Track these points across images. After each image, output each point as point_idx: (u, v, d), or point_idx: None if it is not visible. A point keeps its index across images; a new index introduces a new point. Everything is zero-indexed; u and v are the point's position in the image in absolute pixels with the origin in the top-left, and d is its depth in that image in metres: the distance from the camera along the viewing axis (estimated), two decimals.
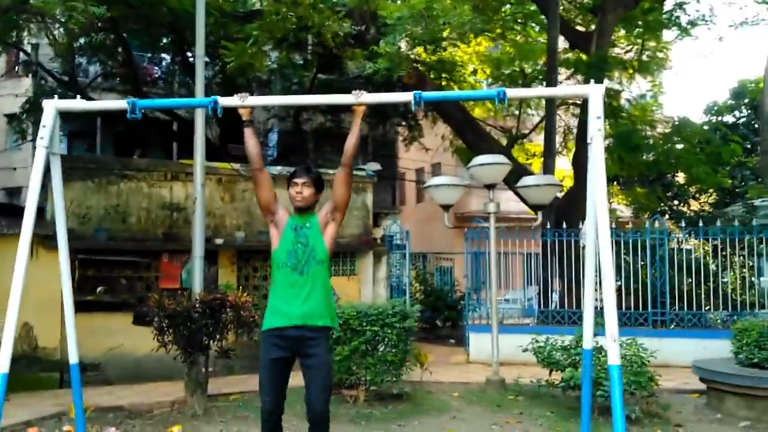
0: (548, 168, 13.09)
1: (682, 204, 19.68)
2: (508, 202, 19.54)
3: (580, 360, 7.60)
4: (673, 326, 11.28)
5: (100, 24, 8.15)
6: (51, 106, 3.83)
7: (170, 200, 10.79)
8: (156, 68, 16.77)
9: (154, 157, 16.05)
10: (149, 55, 16.93)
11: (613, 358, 3.15)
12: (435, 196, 8.89)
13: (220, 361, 9.76)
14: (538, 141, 19.21)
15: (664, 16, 18.46)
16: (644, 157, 16.56)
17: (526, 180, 8.85)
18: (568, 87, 4.67)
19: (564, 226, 11.55)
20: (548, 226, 12.12)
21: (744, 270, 11.55)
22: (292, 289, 4.04)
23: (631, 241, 11.71)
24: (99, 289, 10.21)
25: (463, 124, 14.70)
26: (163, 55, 16.83)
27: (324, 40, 9.65)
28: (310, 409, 4.00)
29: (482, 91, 3.22)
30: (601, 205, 3.32)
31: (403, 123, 18.44)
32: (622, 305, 11.50)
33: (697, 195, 20.09)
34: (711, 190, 19.10)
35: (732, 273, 11.63)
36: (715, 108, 20.01)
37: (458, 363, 11.18)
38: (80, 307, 10.01)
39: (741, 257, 11.55)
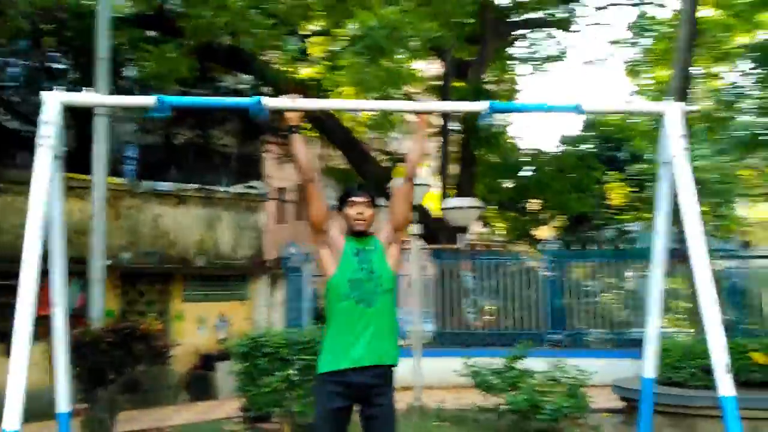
0: (443, 190, 13.22)
1: (534, 228, 20.68)
2: None
3: (515, 383, 7.62)
4: (547, 346, 11.66)
5: None
6: (55, 100, 3.11)
7: None
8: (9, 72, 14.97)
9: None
10: None
11: (726, 389, 3.05)
12: None
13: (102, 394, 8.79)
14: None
15: (525, 51, 19.58)
16: (509, 183, 17.34)
17: (449, 202, 8.79)
18: (644, 103, 4.61)
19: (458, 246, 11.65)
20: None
21: (624, 291, 12.27)
22: (357, 324, 3.48)
23: (515, 264, 12.07)
24: None
25: (348, 144, 14.52)
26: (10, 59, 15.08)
27: (250, 47, 9.07)
28: None
29: (559, 104, 3.06)
30: (693, 224, 3.22)
31: (275, 141, 17.88)
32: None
33: (549, 220, 21.18)
34: (563, 215, 20.21)
35: (614, 294, 12.30)
36: (569, 139, 21.37)
37: None
38: None
39: (619, 278, 12.25)
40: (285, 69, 15.53)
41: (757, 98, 15.00)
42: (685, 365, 7.71)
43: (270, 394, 7.37)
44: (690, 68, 9.17)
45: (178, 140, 16.71)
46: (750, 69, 15.15)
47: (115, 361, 7.12)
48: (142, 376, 9.42)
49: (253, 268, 11.46)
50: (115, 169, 16.69)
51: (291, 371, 7.37)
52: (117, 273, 10.12)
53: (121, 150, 18.31)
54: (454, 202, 8.69)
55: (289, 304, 11.59)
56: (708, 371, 7.60)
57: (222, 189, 11.48)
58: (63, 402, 3.52)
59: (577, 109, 3.54)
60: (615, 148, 20.78)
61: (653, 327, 3.78)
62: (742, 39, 17.13)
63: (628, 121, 20.21)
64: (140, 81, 15.19)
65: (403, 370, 9.78)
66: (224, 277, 11.34)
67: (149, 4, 10.30)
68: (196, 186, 11.46)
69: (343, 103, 3.55)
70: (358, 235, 3.67)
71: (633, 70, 19.28)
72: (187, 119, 16.18)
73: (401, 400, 9.19)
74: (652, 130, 21.04)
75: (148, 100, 3.24)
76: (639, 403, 4.04)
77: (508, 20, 16.40)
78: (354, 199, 3.70)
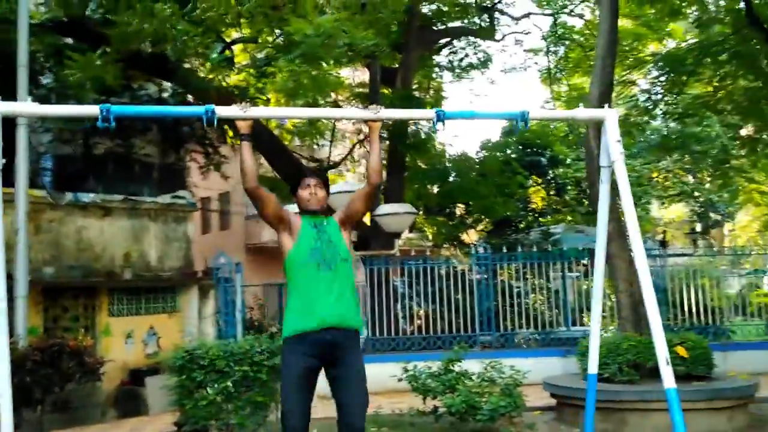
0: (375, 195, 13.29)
1: (462, 232, 21.05)
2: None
3: (452, 385, 7.73)
4: (478, 348, 11.86)
5: None
6: None
7: None
8: None
9: None
10: None
11: (669, 382, 3.20)
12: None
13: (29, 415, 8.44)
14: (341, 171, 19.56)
15: (449, 59, 19.97)
16: (437, 188, 17.63)
17: (383, 208, 8.86)
18: (586, 110, 4.74)
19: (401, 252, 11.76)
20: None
21: (549, 292, 12.63)
22: (321, 286, 3.59)
23: (445, 268, 12.26)
24: None
25: (277, 152, 14.40)
26: None
27: (177, 55, 8.90)
28: (350, 428, 3.52)
29: (506, 111, 3.13)
30: (632, 225, 3.38)
31: (200, 150, 17.56)
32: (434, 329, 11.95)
33: (474, 224, 21.59)
34: (486, 219, 20.66)
35: (540, 294, 12.64)
36: (489, 144, 21.86)
37: None
38: None
39: (545, 279, 12.60)
40: (211, 77, 15.31)
41: (667, 104, 15.74)
42: (611, 361, 7.99)
43: (207, 407, 7.25)
44: (612, 76, 9.54)
45: (97, 150, 16.19)
46: (659, 76, 15.88)
47: (42, 380, 6.87)
48: (70, 395, 9.11)
49: (182, 280, 11.22)
50: (32, 181, 16.08)
51: (228, 383, 7.29)
52: (38, 288, 9.73)
53: (38, 161, 17.64)
54: (388, 208, 8.77)
55: (221, 315, 11.40)
56: (634, 366, 8.00)
57: (149, 200, 11.20)
58: (6, 427, 3.37)
59: (523, 117, 3.66)
60: (537, 153, 21.40)
61: (595, 326, 3.93)
62: (652, 48, 18.01)
63: (552, 126, 20.83)
64: (57, 90, 14.70)
65: None
66: (153, 290, 11.07)
67: (68, 11, 9.96)
68: (121, 197, 11.13)
69: (292, 111, 3.56)
70: (313, 213, 3.84)
71: (549, 77, 19.94)
72: (107, 128, 15.71)
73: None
74: (567, 136, 21.90)
75: (93, 110, 3.16)
76: (585, 397, 4.18)
77: (433, 28, 16.68)
78: (306, 182, 3.91)
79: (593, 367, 4.08)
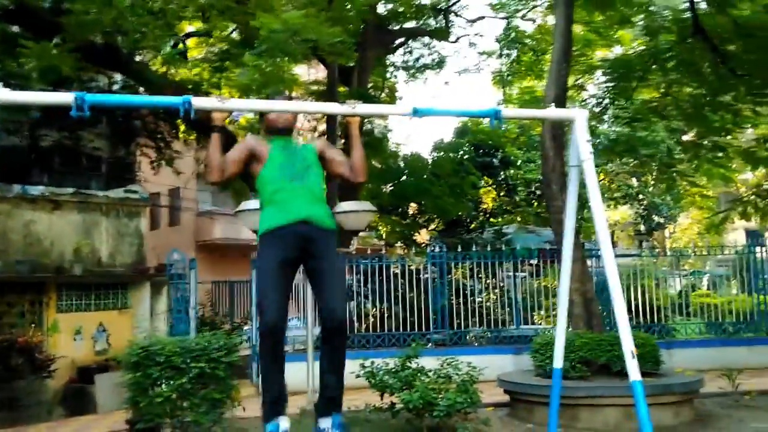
0: (331, 194, 13.26)
1: (415, 232, 21.19)
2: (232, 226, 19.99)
3: (409, 382, 7.78)
4: (432, 345, 11.99)
5: None
6: None
7: None
8: None
9: None
10: None
11: (634, 375, 3.30)
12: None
13: None
14: None
15: (404, 59, 20.09)
16: (390, 187, 17.71)
17: (342, 206, 8.84)
18: (556, 110, 4.76)
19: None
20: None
21: (499, 290, 12.83)
22: (294, 193, 3.66)
23: (399, 266, 12.36)
24: None
25: (231, 147, 14.26)
26: None
27: (133, 46, 8.73)
28: (330, 317, 3.56)
29: (479, 109, 3.19)
30: (601, 223, 3.47)
31: (151, 144, 17.24)
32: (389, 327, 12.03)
33: (426, 224, 21.75)
34: (438, 219, 20.84)
35: (490, 293, 12.83)
36: (442, 145, 22.05)
37: (249, 396, 10.65)
38: None
39: (497, 278, 12.80)
40: (163, 70, 15.08)
41: (617, 107, 16.11)
42: (564, 358, 8.14)
43: (162, 404, 7.15)
44: (566, 79, 9.74)
45: (44, 142, 15.75)
46: (607, 82, 16.22)
47: None
48: (16, 392, 8.86)
49: (134, 276, 11.02)
50: None
51: (184, 380, 7.20)
52: None
53: None
54: (348, 205, 8.75)
55: (173, 312, 11.22)
56: (585, 363, 8.19)
57: (100, 194, 10.97)
58: None
59: (496, 115, 3.73)
60: (488, 154, 21.66)
61: (561, 322, 4.03)
62: (600, 54, 18.39)
63: (504, 127, 21.06)
64: (1, 79, 14.26)
65: (295, 375, 9.84)
66: (103, 286, 10.85)
67: None
68: (71, 190, 10.86)
69: (269, 104, 3.51)
70: (283, 133, 3.91)
71: (501, 80, 20.23)
72: (54, 120, 15.32)
73: (293, 405, 9.20)
74: (518, 138, 22.25)
75: (67, 97, 3.10)
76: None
77: (389, 28, 16.74)
78: None
79: (558, 362, 4.19)
